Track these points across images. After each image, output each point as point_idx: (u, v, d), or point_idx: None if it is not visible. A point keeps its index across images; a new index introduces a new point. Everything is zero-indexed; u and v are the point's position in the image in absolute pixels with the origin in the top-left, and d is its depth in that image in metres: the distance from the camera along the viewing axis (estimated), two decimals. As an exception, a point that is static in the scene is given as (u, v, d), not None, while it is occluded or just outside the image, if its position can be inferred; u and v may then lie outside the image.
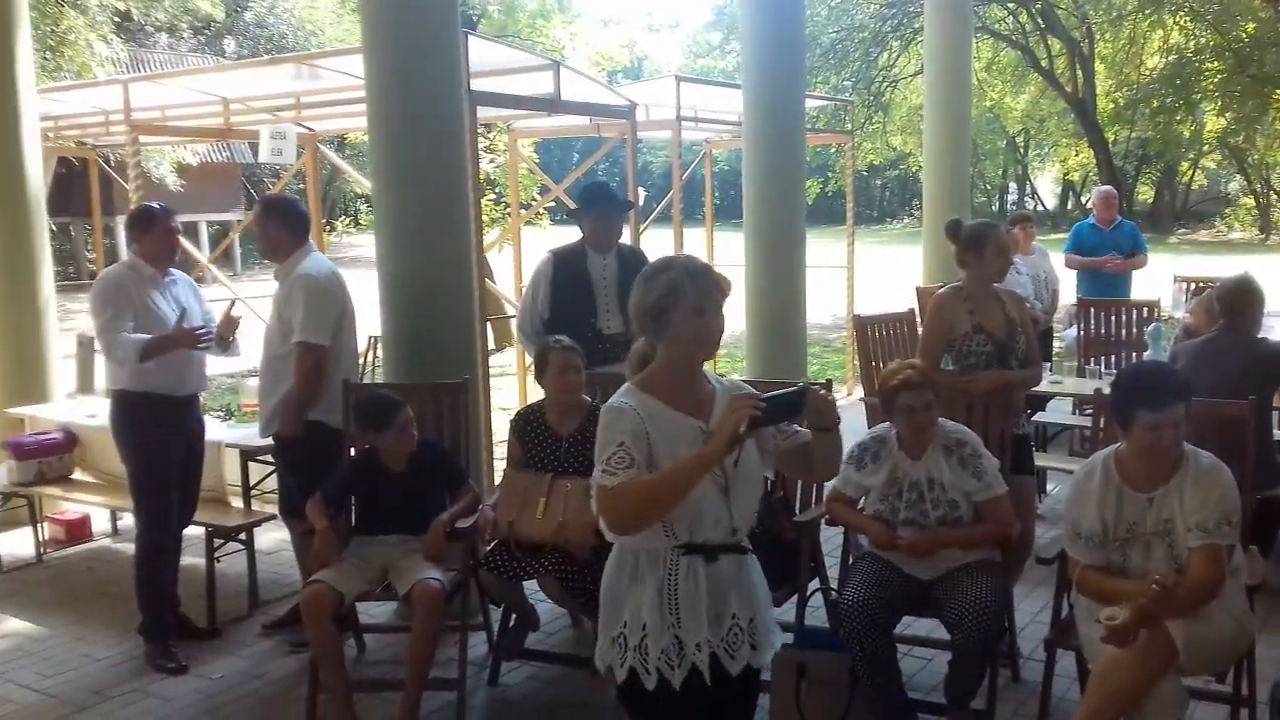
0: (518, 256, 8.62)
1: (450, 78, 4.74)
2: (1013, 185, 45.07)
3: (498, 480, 5.12)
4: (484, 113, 7.60)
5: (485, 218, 12.37)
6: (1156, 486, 3.17)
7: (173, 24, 24.33)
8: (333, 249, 14.12)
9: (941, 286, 5.87)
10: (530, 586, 4.23)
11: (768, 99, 7.21)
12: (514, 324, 4.98)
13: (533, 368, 4.53)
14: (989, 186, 44.67)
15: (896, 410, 3.73)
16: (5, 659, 4.64)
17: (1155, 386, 3.14)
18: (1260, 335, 5.01)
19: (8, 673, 4.49)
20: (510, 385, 9.32)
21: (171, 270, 4.66)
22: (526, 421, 4.25)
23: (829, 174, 23.60)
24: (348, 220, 16.34)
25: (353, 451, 4.41)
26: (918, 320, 6.89)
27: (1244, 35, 17.13)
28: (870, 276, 13.31)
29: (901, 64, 19.81)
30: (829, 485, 4.08)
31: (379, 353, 8.11)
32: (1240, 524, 3.22)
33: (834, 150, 20.15)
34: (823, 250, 14.25)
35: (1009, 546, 3.79)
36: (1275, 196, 35.56)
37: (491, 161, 12.06)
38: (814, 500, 4.26)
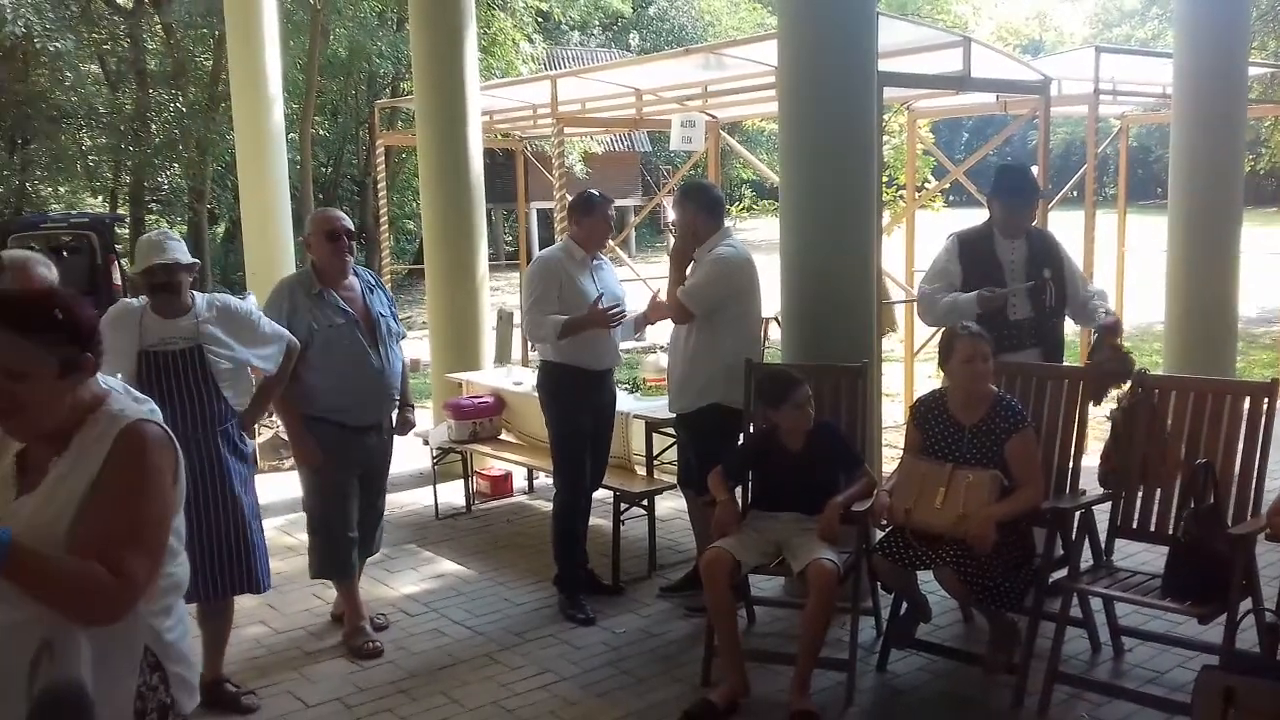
0: (910, 240, 8.45)
1: (862, 59, 4.72)
2: None
3: (885, 466, 5.09)
4: (887, 94, 7.52)
5: (877, 201, 12.28)
6: None
7: (584, 21, 26.11)
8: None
9: None
10: (923, 576, 4.17)
11: (1203, 66, 6.55)
12: (922, 310, 4.88)
13: (937, 354, 4.42)
14: None
15: None
16: (441, 596, 5.26)
17: None
18: None
19: (444, 609, 5.08)
20: (895, 371, 9.18)
21: (599, 255, 5.03)
22: (928, 409, 4.18)
23: (1261, 149, 21.03)
24: (739, 206, 16.78)
25: (752, 428, 4.55)
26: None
27: None
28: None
29: (1362, 22, 17.23)
30: (1269, 496, 3.69)
31: (767, 333, 8.30)
32: None
33: (1268, 124, 17.91)
34: (1249, 235, 12.71)
35: None
36: None
37: (887, 143, 11.87)
38: (1251, 511, 3.85)
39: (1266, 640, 3.56)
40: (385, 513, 4.93)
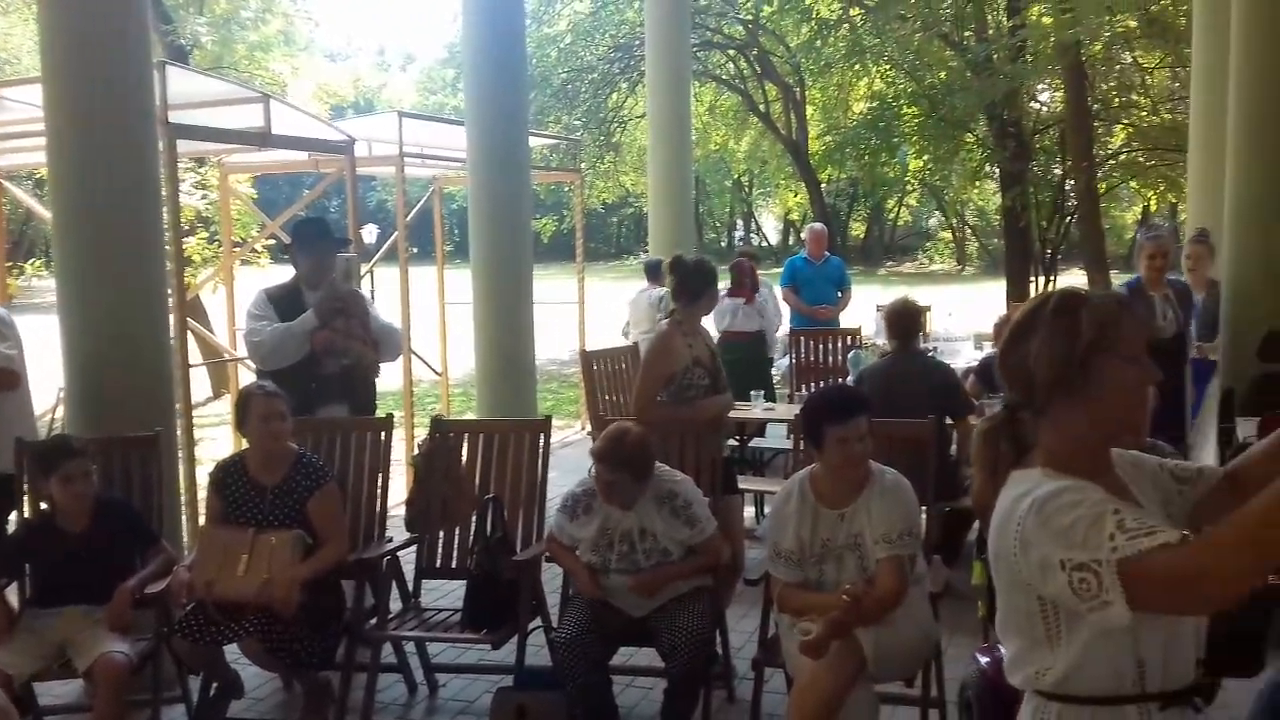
0: (230, 297, 8.18)
1: (141, 110, 4.44)
2: (740, 222, 47.43)
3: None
4: (190, 147, 7.20)
5: (197, 257, 11.73)
6: (847, 503, 3.35)
7: None
8: (24, 293, 12.94)
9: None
10: (234, 651, 3.97)
11: (491, 138, 7.19)
12: (252, 350, 4.65)
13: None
14: (718, 224, 46.79)
15: (594, 472, 3.74)
16: None
17: (839, 402, 3.37)
18: (935, 359, 5.53)
19: None
20: (227, 435, 8.80)
21: None
22: (226, 474, 4.00)
23: (564, 211, 23.89)
24: (39, 262, 14.94)
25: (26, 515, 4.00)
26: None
27: (936, 82, 18.73)
28: (605, 311, 13.55)
29: (630, 105, 20.38)
30: (549, 520, 4.08)
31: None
32: (922, 535, 3.46)
33: (569, 188, 20.45)
34: (560, 286, 14.38)
35: (719, 569, 3.88)
36: (969, 231, 39.13)
37: (204, 198, 11.42)
38: (535, 538, 4.24)
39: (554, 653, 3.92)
40: None
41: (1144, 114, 18.14)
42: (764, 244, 43.87)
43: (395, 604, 4.18)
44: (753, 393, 6.55)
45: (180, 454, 5.00)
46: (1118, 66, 17.96)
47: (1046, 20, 15.23)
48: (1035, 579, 1.61)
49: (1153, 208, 24.96)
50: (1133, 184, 20.05)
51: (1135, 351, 1.68)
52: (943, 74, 18.75)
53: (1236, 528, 1.46)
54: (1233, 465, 1.83)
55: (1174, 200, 19.23)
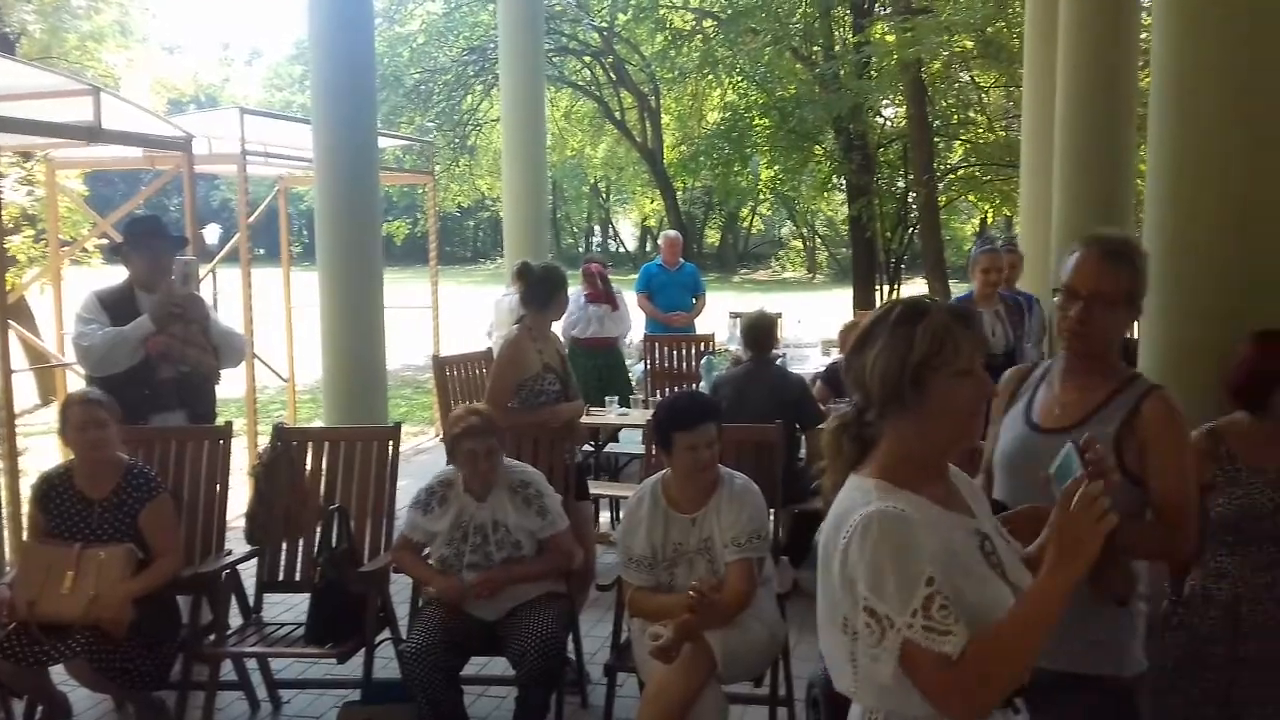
0: (58, 299, 7.74)
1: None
2: (597, 228, 47.59)
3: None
4: (14, 140, 6.80)
5: (23, 257, 11.06)
6: (698, 508, 3.39)
7: None
8: None
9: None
10: (62, 672, 3.75)
11: (339, 137, 7.02)
12: (81, 355, 4.38)
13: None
14: (576, 229, 46.87)
15: (461, 455, 3.72)
16: None
17: (688, 409, 3.41)
18: (789, 371, 5.66)
19: None
20: (55, 445, 8.32)
21: None
22: (51, 486, 3.80)
23: (418, 214, 23.50)
24: None
25: None
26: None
27: (786, 95, 19.20)
28: (461, 316, 13.41)
29: (485, 108, 20.21)
30: (398, 530, 4.00)
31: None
32: (770, 538, 3.53)
33: (422, 191, 20.15)
34: (415, 290, 14.14)
35: (572, 575, 3.88)
36: (819, 240, 40.27)
37: (30, 194, 10.78)
38: (384, 548, 4.14)
39: (402, 665, 3.84)
40: None
41: (981, 131, 18.98)
42: (621, 250, 44.16)
43: (236, 619, 4.03)
44: (607, 398, 6.58)
45: (1, 465, 4.71)
46: (956, 85, 18.74)
47: (889, 38, 15.81)
48: (845, 591, 1.63)
49: (989, 221, 26.15)
50: (970, 198, 20.91)
51: (970, 365, 1.69)
52: (792, 87, 19.21)
53: (989, 648, 1.56)
54: (1032, 548, 1.86)
55: (1009, 214, 20.16)
